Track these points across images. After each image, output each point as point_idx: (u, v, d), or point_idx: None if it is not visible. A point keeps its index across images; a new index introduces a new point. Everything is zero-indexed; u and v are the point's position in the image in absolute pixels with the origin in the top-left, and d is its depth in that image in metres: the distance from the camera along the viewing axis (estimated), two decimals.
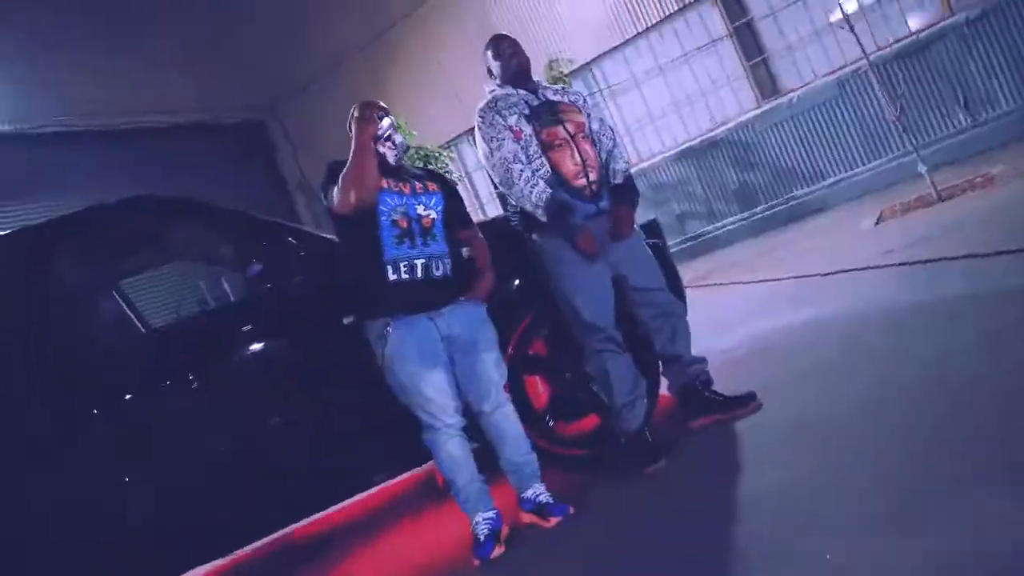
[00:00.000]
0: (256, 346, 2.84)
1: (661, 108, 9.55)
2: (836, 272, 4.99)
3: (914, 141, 6.30)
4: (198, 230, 3.01)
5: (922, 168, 6.08)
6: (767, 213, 8.93)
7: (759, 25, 8.86)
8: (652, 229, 3.40)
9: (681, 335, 3.02)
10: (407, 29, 10.71)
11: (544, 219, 2.80)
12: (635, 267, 2.96)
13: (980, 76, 7.61)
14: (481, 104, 2.98)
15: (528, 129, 2.88)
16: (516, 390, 2.97)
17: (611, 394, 2.90)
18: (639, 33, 9.40)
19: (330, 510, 3.30)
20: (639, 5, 9.28)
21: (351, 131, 2.57)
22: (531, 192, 2.80)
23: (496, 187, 2.97)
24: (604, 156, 3.06)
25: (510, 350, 2.98)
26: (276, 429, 2.81)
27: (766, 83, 8.93)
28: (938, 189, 6.03)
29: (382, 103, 2.76)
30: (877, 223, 6.31)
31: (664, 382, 3.16)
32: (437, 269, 2.59)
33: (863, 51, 6.29)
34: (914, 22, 8.05)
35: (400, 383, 2.56)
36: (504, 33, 3.14)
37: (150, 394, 2.69)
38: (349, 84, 11.02)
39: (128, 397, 2.66)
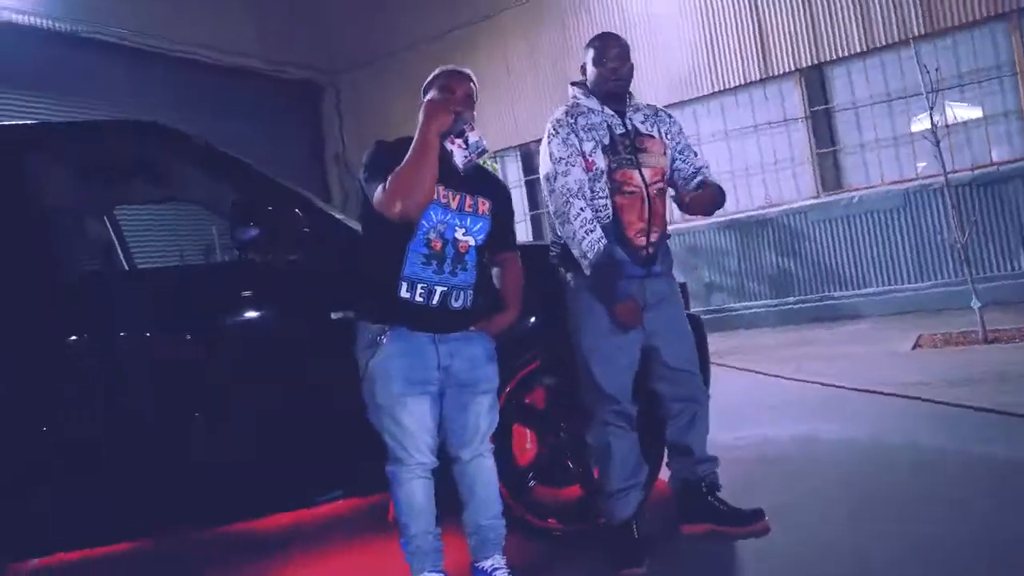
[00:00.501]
0: (223, 319, 2.49)
1: (718, 173, 9.15)
2: (865, 390, 4.67)
3: (973, 273, 5.94)
4: (201, 172, 2.69)
5: (976, 303, 5.73)
6: (798, 306, 8.57)
7: (837, 115, 8.56)
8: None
9: (699, 427, 2.68)
10: (482, 30, 10.47)
11: (588, 272, 2.49)
12: (671, 341, 2.63)
13: None
14: (559, 113, 2.64)
15: (602, 163, 2.55)
16: (501, 438, 2.61)
17: (608, 474, 2.55)
18: (714, 92, 9.11)
19: (258, 519, 2.94)
20: (722, 65, 9.01)
21: (423, 104, 2.22)
22: (585, 237, 2.47)
23: (549, 212, 2.63)
24: (686, 179, 2.72)
25: (506, 390, 2.63)
26: (208, 414, 2.45)
27: (830, 175, 8.60)
28: (986, 329, 5.68)
29: (471, 77, 2.35)
30: (914, 348, 5.97)
31: (664, 472, 2.80)
32: (456, 300, 2.25)
33: (943, 168, 5.98)
34: (997, 153, 7.72)
35: (377, 403, 2.22)
36: (616, 35, 2.71)
37: (102, 337, 2.36)
38: (412, 69, 10.71)
39: (75, 337, 2.33)
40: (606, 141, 2.56)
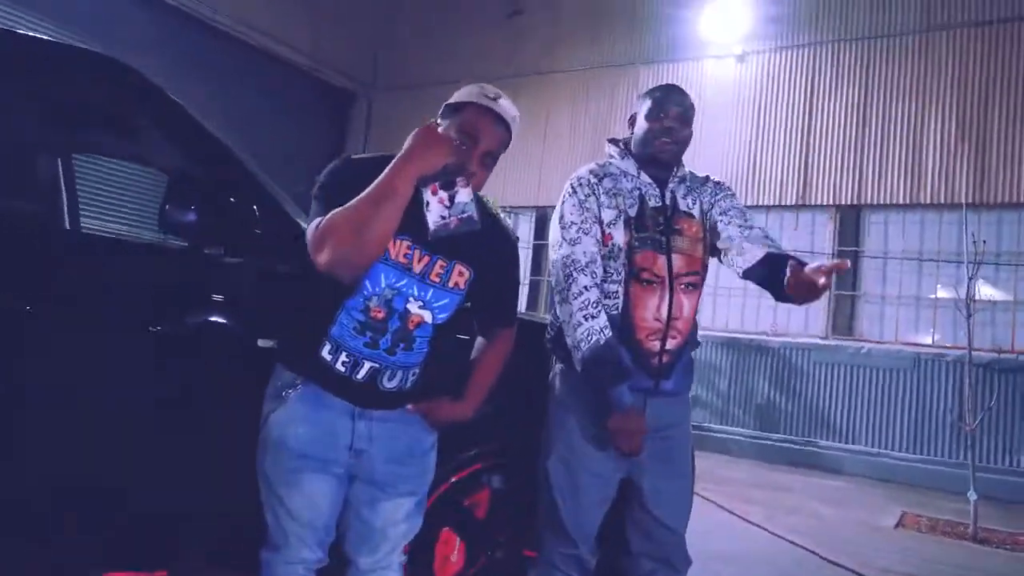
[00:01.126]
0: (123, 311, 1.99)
1: (730, 287, 8.86)
2: (840, 565, 4.18)
3: (976, 461, 5.49)
4: (162, 132, 2.23)
5: (972, 495, 5.27)
6: (781, 444, 8.07)
7: (864, 261, 8.22)
8: None
9: None
10: (530, 83, 10.20)
11: (579, 368, 1.99)
12: (663, 484, 2.09)
13: None
14: (583, 171, 2.16)
15: (621, 238, 2.06)
16: (423, 543, 2.10)
17: None
18: (747, 206, 8.74)
19: None
20: (762, 182, 8.73)
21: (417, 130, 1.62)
22: (582, 323, 1.97)
23: (552, 285, 2.14)
24: (743, 238, 2.15)
25: (441, 488, 2.12)
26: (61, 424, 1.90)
27: (843, 319, 8.22)
28: (977, 525, 5.21)
29: (509, 125, 1.71)
30: (896, 526, 5.48)
31: None
32: (391, 380, 1.73)
33: (969, 343, 5.58)
34: (1021, 343, 7.35)
35: (266, 470, 1.72)
36: (677, 88, 2.17)
37: None
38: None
39: None
40: (632, 212, 2.08)
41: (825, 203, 8.35)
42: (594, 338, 1.96)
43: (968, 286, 5.60)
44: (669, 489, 2.10)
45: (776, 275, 1.99)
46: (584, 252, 2.04)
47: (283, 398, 1.71)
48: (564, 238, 2.07)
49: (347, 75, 11.46)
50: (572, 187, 2.13)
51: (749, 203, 8.73)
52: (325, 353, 1.69)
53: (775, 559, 4.27)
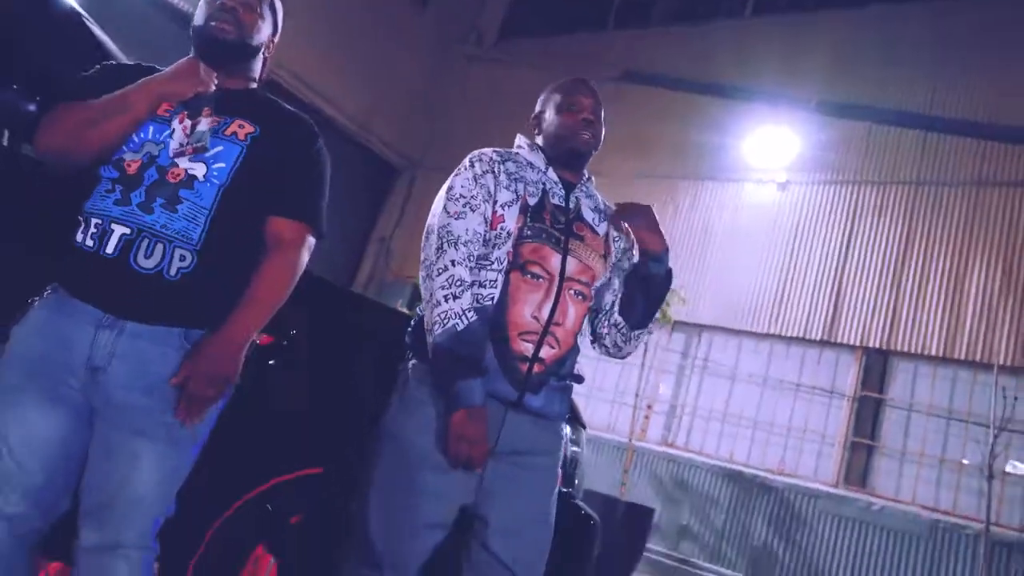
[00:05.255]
0: None
1: (740, 416, 8.31)
2: None
3: None
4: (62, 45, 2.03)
5: None
6: None
7: (887, 411, 7.63)
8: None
9: None
10: None
11: (431, 353, 1.66)
12: (512, 522, 1.70)
13: None
14: (488, 149, 1.93)
15: (513, 223, 1.80)
16: (223, 555, 1.71)
17: None
18: (769, 334, 8.37)
19: None
20: (789, 312, 8.32)
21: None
22: (441, 302, 1.67)
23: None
24: (607, 324, 1.97)
25: (260, 488, 1.74)
26: None
27: (857, 470, 7.56)
28: None
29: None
30: None
31: None
32: (149, 255, 1.42)
33: (987, 513, 4.97)
34: None
35: None
36: (585, 82, 2.04)
37: None
38: None
39: None
40: (531, 200, 1.84)
41: (852, 343, 7.88)
42: (451, 322, 1.65)
43: (992, 446, 5.03)
44: (522, 532, 1.70)
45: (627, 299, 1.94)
46: (466, 229, 1.76)
47: (28, 305, 1.41)
48: (446, 210, 1.80)
49: (394, 149, 11.64)
50: (470, 161, 1.89)
51: (773, 331, 8.33)
52: (78, 235, 1.42)
53: None
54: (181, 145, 1.50)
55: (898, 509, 7.05)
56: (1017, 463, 6.78)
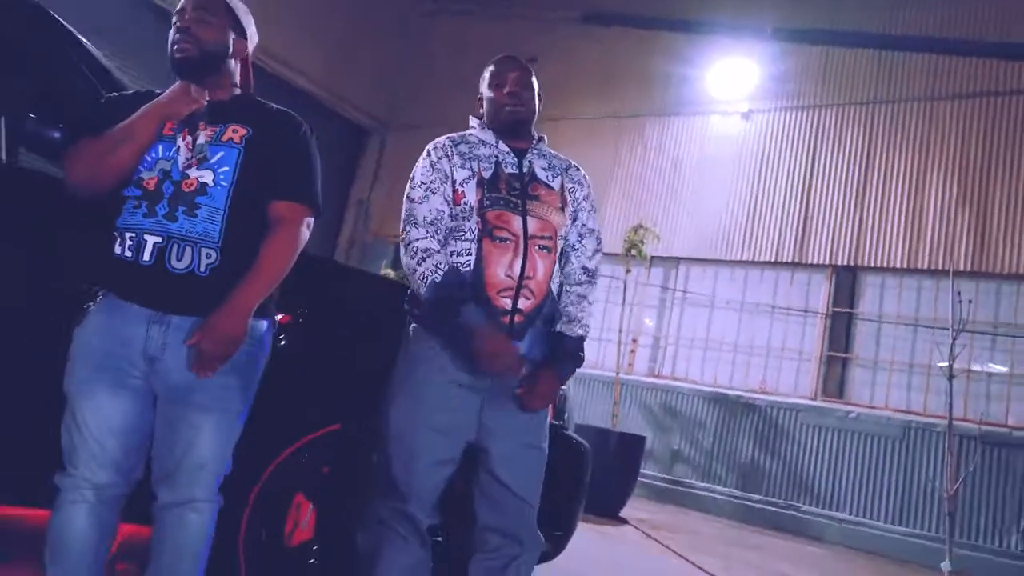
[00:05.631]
0: None
1: (721, 341, 8.70)
2: None
3: (953, 535, 5.21)
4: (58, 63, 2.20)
5: (946, 567, 5.00)
6: (761, 507, 7.76)
7: (858, 325, 8.03)
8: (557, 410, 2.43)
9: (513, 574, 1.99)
10: (542, 128, 10.30)
11: (429, 311, 1.92)
12: (510, 450, 2.00)
13: None
14: (442, 137, 2.18)
15: (473, 197, 2.05)
16: (271, 504, 2.01)
17: None
18: (743, 261, 8.70)
19: None
20: (759, 238, 8.64)
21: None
22: (415, 268, 1.95)
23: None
24: (564, 282, 2.19)
25: (300, 443, 2.03)
26: None
27: (833, 382, 7.99)
28: None
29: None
30: None
31: None
32: (180, 258, 1.67)
33: (949, 410, 5.37)
34: (1014, 418, 7.07)
35: (65, 387, 1.66)
36: (512, 57, 2.25)
37: None
38: None
39: None
40: (486, 174, 2.08)
41: (822, 263, 8.23)
42: (429, 278, 1.92)
43: (951, 348, 5.41)
44: (520, 457, 2.01)
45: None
46: (429, 210, 2.02)
47: (85, 311, 1.66)
48: (410, 197, 2.06)
49: (364, 112, 11.68)
50: (428, 151, 2.14)
51: (746, 258, 8.65)
52: (116, 248, 1.67)
53: None
54: (187, 159, 1.72)
55: (873, 415, 7.50)
56: (993, 365, 7.23)
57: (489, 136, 2.18)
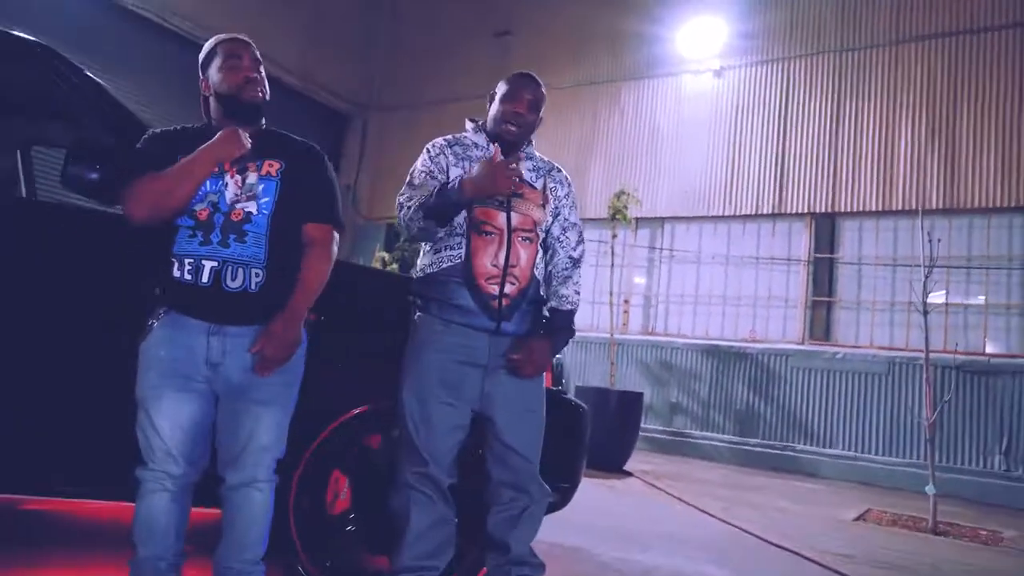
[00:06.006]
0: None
1: (710, 295, 9.00)
2: (781, 547, 4.27)
3: (936, 459, 5.55)
4: (84, 109, 2.44)
5: (930, 490, 5.33)
6: (759, 450, 8.14)
7: (840, 268, 8.34)
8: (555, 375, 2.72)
9: (526, 525, 2.30)
10: None
11: (434, 210, 2.17)
12: (511, 416, 2.28)
13: None
14: (439, 138, 2.42)
15: None
16: (313, 480, 2.30)
17: (399, 546, 2.20)
18: (725, 216, 8.96)
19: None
20: (738, 191, 8.89)
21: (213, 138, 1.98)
22: (418, 208, 2.20)
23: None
24: (551, 269, 2.45)
25: (333, 425, 2.31)
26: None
27: (820, 325, 8.32)
28: (937, 519, 5.27)
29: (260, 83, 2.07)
30: (857, 519, 5.55)
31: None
32: (234, 279, 1.93)
33: (926, 343, 5.67)
34: (992, 346, 7.42)
35: (137, 393, 1.93)
36: (528, 75, 2.41)
37: None
38: (442, 122, 10.83)
39: None
40: None
41: (801, 212, 8.50)
42: (423, 201, 2.19)
43: (924, 284, 5.70)
44: (520, 422, 2.29)
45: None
46: (425, 190, 2.24)
47: (149, 328, 1.92)
48: (411, 183, 2.30)
49: (342, 97, 11.80)
50: (427, 148, 2.39)
51: (727, 213, 8.91)
52: (175, 271, 1.92)
53: (714, 541, 4.37)
54: (236, 195, 1.97)
55: (859, 353, 7.84)
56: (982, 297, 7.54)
57: (482, 139, 2.41)
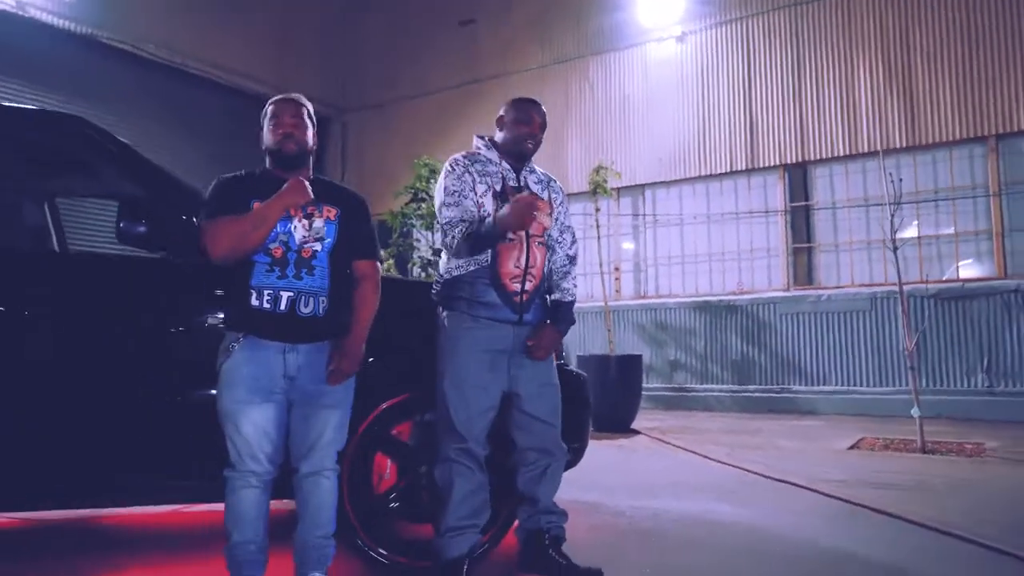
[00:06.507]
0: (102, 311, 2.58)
1: (695, 254, 9.38)
2: (779, 480, 4.68)
3: (919, 382, 5.97)
4: (120, 171, 2.79)
5: (915, 412, 5.74)
6: (758, 395, 8.57)
7: (816, 214, 8.72)
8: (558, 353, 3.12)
9: (550, 479, 2.73)
10: (488, 88, 10.66)
11: (484, 238, 2.57)
12: (534, 391, 2.70)
13: (1012, 347, 7.30)
14: (458, 155, 2.78)
15: (491, 207, 2.67)
16: (360, 464, 2.68)
17: (444, 511, 2.59)
18: (701, 176, 9.31)
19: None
20: (711, 151, 9.23)
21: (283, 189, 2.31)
22: (470, 234, 2.57)
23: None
24: (551, 266, 2.85)
25: (370, 417, 2.69)
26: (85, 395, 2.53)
27: (803, 271, 8.72)
28: (925, 439, 5.69)
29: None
30: (850, 448, 5.97)
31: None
32: (306, 306, 2.32)
33: (898, 276, 6.06)
34: (966, 271, 7.83)
35: (223, 407, 2.30)
36: (534, 102, 2.84)
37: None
38: (417, 117, 11.11)
39: None
40: (498, 187, 2.70)
41: (773, 164, 8.85)
42: (468, 231, 2.58)
43: (891, 222, 6.07)
44: (540, 393, 2.71)
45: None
46: (465, 211, 2.63)
47: (230, 350, 2.29)
48: (448, 203, 2.65)
49: (319, 101, 12.03)
50: (450, 166, 2.73)
51: (703, 173, 9.25)
52: (253, 301, 2.29)
53: (718, 482, 4.77)
54: (305, 236, 2.34)
55: (842, 293, 8.25)
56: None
57: (494, 155, 2.79)
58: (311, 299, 2.33)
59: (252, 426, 2.27)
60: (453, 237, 2.60)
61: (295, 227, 2.35)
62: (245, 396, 2.26)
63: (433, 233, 7.87)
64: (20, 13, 8.31)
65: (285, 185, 2.33)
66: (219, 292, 2.48)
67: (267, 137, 2.43)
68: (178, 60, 9.77)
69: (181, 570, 2.97)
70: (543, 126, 2.81)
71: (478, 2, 11.09)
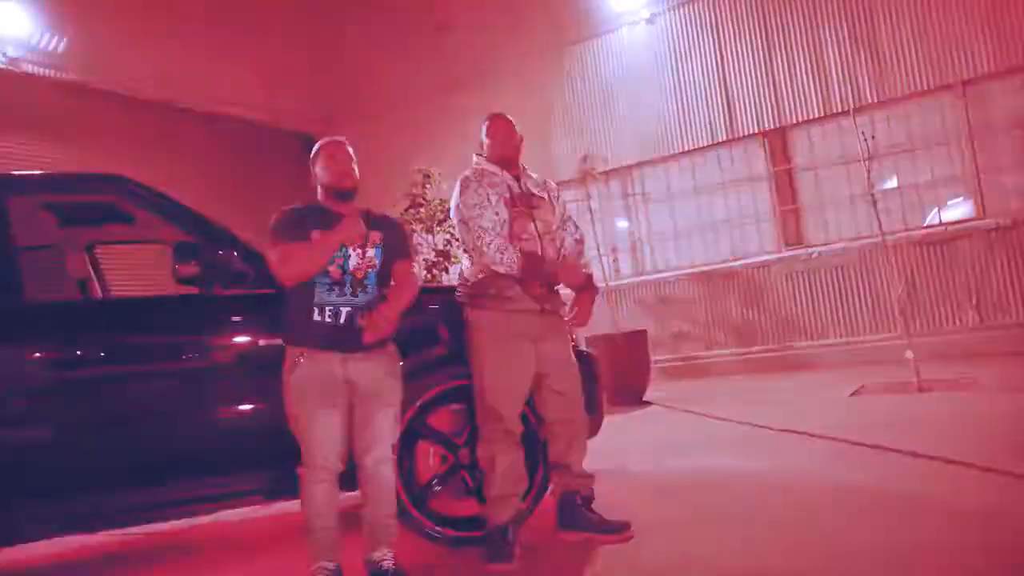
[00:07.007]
0: (168, 340, 2.95)
1: (688, 227, 9.71)
2: (787, 431, 5.01)
3: (909, 327, 6.31)
4: (161, 218, 3.13)
5: (909, 354, 6.08)
6: (762, 355, 8.92)
7: (799, 176, 9.04)
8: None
9: (577, 446, 3.10)
10: (468, 91, 10.92)
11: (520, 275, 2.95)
12: (559, 369, 3.06)
13: (998, 282, 7.64)
14: (467, 172, 3.11)
15: (504, 215, 3.01)
16: (406, 454, 3.03)
17: (490, 483, 2.96)
18: (684, 152, 9.62)
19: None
20: (692, 127, 9.54)
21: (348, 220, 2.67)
22: (501, 257, 2.92)
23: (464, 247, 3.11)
24: (565, 253, 3.19)
25: (412, 410, 3.05)
26: (155, 423, 2.89)
27: (792, 231, 9.05)
28: (920, 379, 6.02)
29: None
30: (852, 395, 6.31)
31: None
32: (362, 318, 2.68)
33: (880, 228, 6.39)
34: (946, 214, 8.16)
35: (294, 414, 2.64)
36: (501, 114, 3.23)
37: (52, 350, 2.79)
38: (400, 128, 11.39)
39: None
40: (507, 195, 3.04)
41: (752, 132, 9.16)
42: (513, 262, 2.95)
43: (867, 177, 6.40)
44: (563, 371, 3.10)
45: None
46: (488, 220, 2.98)
47: (296, 363, 2.64)
48: (471, 215, 3.00)
49: (308, 119, 12.30)
50: (464, 182, 3.08)
51: (687, 148, 9.55)
52: (315, 316, 2.65)
53: (725, 438, 5.12)
54: (358, 263, 2.71)
55: (831, 249, 8.59)
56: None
57: (495, 168, 3.13)
58: (366, 312, 2.68)
59: (322, 428, 2.61)
60: (485, 244, 2.93)
61: (350, 255, 2.70)
62: (315, 403, 2.61)
63: (433, 236, 8.18)
64: (13, 70, 8.64)
65: (342, 222, 2.68)
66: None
67: (324, 174, 2.80)
68: (171, 100, 10.07)
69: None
70: (512, 130, 3.16)
71: (454, 7, 11.35)
